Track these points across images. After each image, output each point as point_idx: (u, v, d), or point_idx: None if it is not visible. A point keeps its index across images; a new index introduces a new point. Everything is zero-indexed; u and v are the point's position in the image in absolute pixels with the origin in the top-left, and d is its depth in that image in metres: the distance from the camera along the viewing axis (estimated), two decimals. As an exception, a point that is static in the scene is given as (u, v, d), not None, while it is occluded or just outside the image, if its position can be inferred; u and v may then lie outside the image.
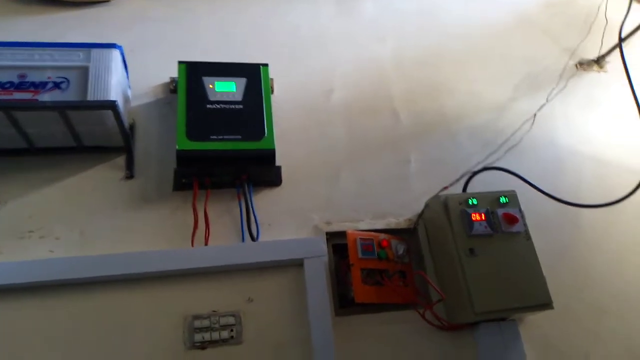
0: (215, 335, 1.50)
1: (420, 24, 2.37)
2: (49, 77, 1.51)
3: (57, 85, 1.51)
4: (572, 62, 2.34)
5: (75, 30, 1.93)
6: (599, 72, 2.36)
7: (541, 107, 2.06)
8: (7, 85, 1.48)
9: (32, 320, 1.44)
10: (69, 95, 1.50)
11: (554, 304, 1.57)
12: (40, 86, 1.49)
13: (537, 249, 1.64)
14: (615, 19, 2.15)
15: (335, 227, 1.75)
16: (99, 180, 1.69)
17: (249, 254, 1.59)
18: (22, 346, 1.41)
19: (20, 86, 1.49)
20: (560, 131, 2.15)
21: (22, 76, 1.50)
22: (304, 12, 2.26)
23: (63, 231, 1.59)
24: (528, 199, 1.78)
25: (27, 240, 1.56)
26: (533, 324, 1.70)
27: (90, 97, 1.50)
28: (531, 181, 1.79)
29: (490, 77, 2.26)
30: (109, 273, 1.49)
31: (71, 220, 1.61)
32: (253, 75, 1.77)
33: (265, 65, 1.81)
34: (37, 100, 1.47)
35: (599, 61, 2.35)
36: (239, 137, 1.64)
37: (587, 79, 2.34)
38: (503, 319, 1.63)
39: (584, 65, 2.35)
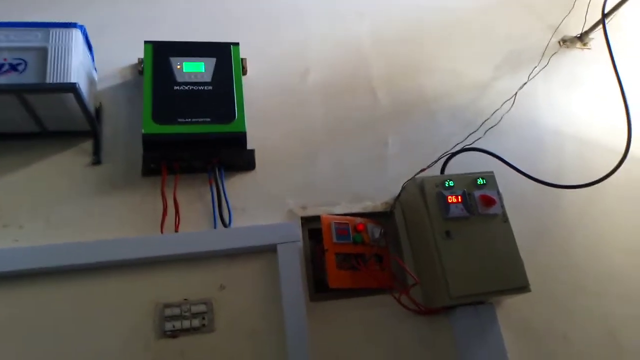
0: (187, 324, 1.46)
1: (401, 1, 2.29)
2: (4, 59, 1.44)
3: (13, 68, 1.43)
4: (555, 39, 2.29)
5: (38, 10, 1.84)
6: (582, 49, 2.31)
7: (522, 85, 2.01)
8: (-40, 67, 1.41)
9: (-4, 311, 1.40)
10: (26, 77, 1.43)
11: (533, 286, 1.55)
12: (-5, 68, 1.42)
13: (516, 231, 1.61)
14: (600, -6, 2.09)
15: (311, 212, 1.71)
16: (64, 166, 1.64)
17: (221, 240, 1.55)
18: (-15, 338, 1.37)
19: (-25, 69, 1.42)
20: (542, 110, 2.12)
21: (-25, 58, 1.43)
22: (279, -11, 2.18)
23: (27, 219, 1.54)
24: (507, 180, 1.75)
25: (-10, 229, 1.51)
26: (510, 307, 1.68)
27: (49, 79, 1.44)
28: (512, 162, 1.75)
29: (472, 55, 2.21)
30: (75, 262, 1.45)
31: (36, 208, 1.56)
32: (223, 55, 1.70)
33: (236, 44, 1.75)
34: (-8, 83, 1.40)
35: (582, 38, 2.29)
36: (208, 119, 1.58)
37: (570, 56, 2.29)
38: (480, 303, 1.61)
39: (567, 42, 2.30)
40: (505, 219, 1.63)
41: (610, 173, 1.66)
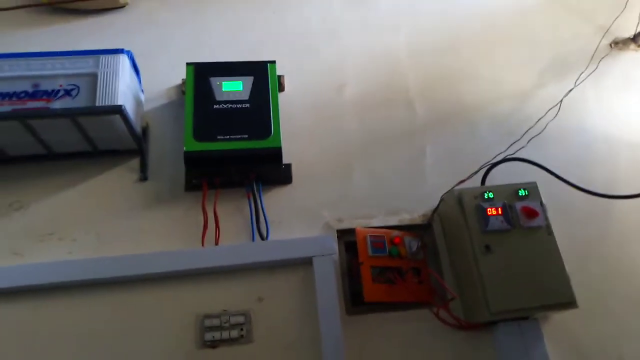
0: (226, 335, 1.50)
1: (437, 9, 2.27)
2: (60, 85, 1.56)
3: (67, 93, 1.55)
4: (606, 42, 2.17)
5: (89, 37, 1.99)
6: (636, 50, 2.18)
7: (568, 92, 1.92)
8: (22, 94, 1.54)
9: (50, 320, 1.50)
10: (79, 101, 1.55)
11: (583, 302, 1.48)
12: (52, 94, 1.55)
13: (564, 244, 1.54)
14: (654, -8, 1.99)
15: (347, 225, 1.71)
16: (114, 183, 1.74)
17: (258, 253, 1.59)
18: (41, 345, 1.47)
19: (34, 95, 1.55)
20: (591, 117, 2.01)
21: (35, 85, 1.56)
22: (315, 5, 2.22)
23: (80, 233, 1.65)
24: (553, 191, 1.69)
25: (47, 242, 1.62)
26: (558, 323, 1.60)
27: (98, 102, 1.54)
28: (558, 172, 1.68)
29: (513, 62, 2.14)
30: (122, 274, 1.53)
31: (88, 222, 1.66)
32: (260, 73, 1.76)
33: (273, 62, 1.79)
34: (48, 108, 1.52)
35: (636, 39, 2.17)
36: (246, 136, 1.63)
37: (623, 58, 2.17)
38: (524, 318, 1.55)
39: (619, 44, 2.18)
40: (549, 231, 1.56)
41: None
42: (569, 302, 1.47)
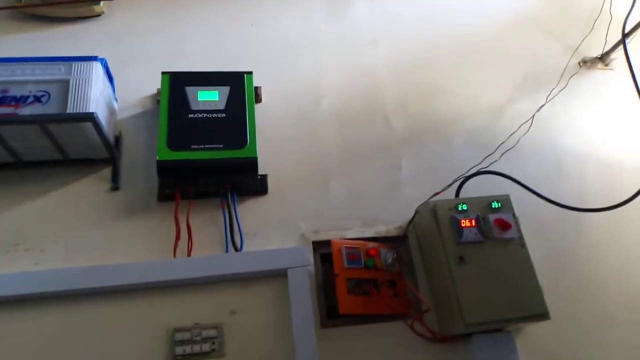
0: (197, 348, 1.47)
1: (415, 25, 2.32)
2: (29, 91, 1.53)
3: (37, 99, 1.52)
4: (575, 61, 2.24)
5: (63, 45, 1.96)
6: (604, 69, 2.26)
7: (540, 107, 1.97)
8: (-10, 100, 1.50)
9: (16, 333, 1.45)
10: (49, 108, 1.51)
11: (555, 314, 1.49)
12: (21, 100, 1.51)
13: (536, 256, 1.57)
14: (620, 14, 2.06)
15: (323, 236, 1.70)
16: (84, 192, 1.70)
17: (232, 264, 1.56)
18: (7, 358, 1.41)
19: (2, 101, 1.51)
20: (562, 132, 2.07)
21: (4, 91, 1.52)
22: (294, 18, 2.24)
23: (48, 244, 1.60)
24: (526, 205, 1.72)
25: (13, 253, 1.57)
26: (532, 335, 1.61)
27: (70, 109, 1.51)
28: (530, 185, 1.72)
29: (488, 78, 2.19)
30: (91, 285, 1.49)
31: (56, 232, 1.62)
32: (237, 84, 1.75)
33: (250, 73, 1.79)
34: (17, 114, 1.48)
35: (604, 58, 2.24)
36: (221, 146, 1.62)
37: (592, 77, 2.24)
38: (498, 330, 1.55)
39: (587, 63, 2.25)
40: (522, 243, 1.58)
41: (635, 195, 1.59)
42: (542, 314, 1.48)
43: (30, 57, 1.59)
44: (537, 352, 1.60)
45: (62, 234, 1.62)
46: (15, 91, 1.52)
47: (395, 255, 1.66)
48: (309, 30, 2.22)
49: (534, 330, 1.62)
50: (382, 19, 2.32)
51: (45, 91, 1.53)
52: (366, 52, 2.20)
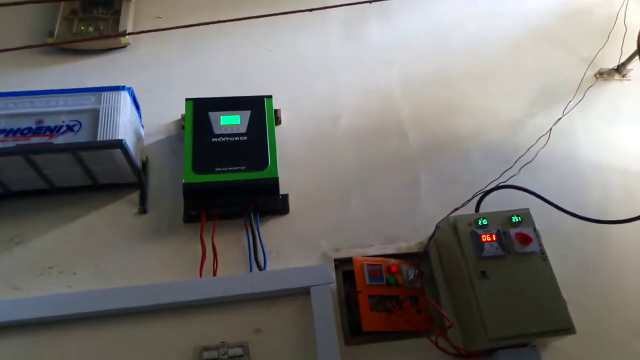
0: (224, 367, 1.50)
1: (430, 44, 2.36)
2: (62, 121, 1.61)
3: (70, 128, 1.60)
4: (591, 72, 2.25)
5: (92, 76, 2.06)
6: (621, 80, 2.25)
7: (557, 120, 1.98)
8: (26, 131, 1.59)
9: (50, 354, 1.49)
10: (80, 137, 1.60)
11: (581, 328, 1.47)
12: (55, 130, 1.60)
13: (560, 270, 1.55)
14: (635, 25, 2.07)
15: (344, 254, 1.73)
16: (114, 216, 1.76)
17: (256, 283, 1.60)
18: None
19: (38, 131, 1.59)
20: (581, 145, 2.06)
21: (39, 122, 1.61)
22: (311, 42, 2.31)
23: (80, 267, 1.66)
24: (547, 218, 1.71)
25: (47, 276, 1.63)
26: (558, 350, 1.59)
27: (100, 137, 1.59)
28: (550, 198, 1.71)
29: (504, 92, 2.21)
30: (121, 306, 1.53)
31: (88, 255, 1.68)
32: (257, 107, 1.81)
33: (269, 96, 1.85)
34: (51, 143, 1.57)
35: (620, 69, 2.24)
36: (243, 167, 1.68)
37: (609, 88, 2.24)
38: (524, 345, 1.54)
39: (604, 74, 2.25)
40: (544, 257, 1.57)
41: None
42: (567, 328, 1.46)
43: (63, 90, 1.68)
44: (563, 367, 1.58)
45: (93, 256, 1.68)
46: (50, 122, 1.61)
47: (417, 271, 1.67)
48: (325, 53, 2.28)
49: (560, 345, 1.60)
50: (396, 39, 2.37)
51: (77, 121, 1.62)
52: (382, 71, 2.24)
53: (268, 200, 1.73)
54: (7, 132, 1.58)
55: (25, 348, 1.49)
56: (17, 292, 1.59)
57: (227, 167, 1.67)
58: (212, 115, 1.78)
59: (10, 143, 1.56)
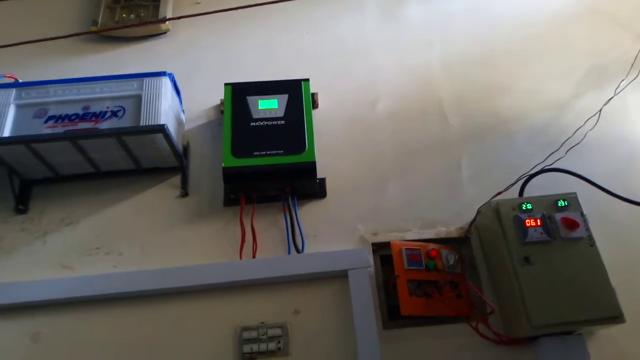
0: (264, 347, 1.53)
1: (471, 22, 2.29)
2: (107, 107, 1.66)
3: (114, 114, 1.65)
4: (646, 49, 2.12)
5: (134, 62, 2.10)
6: (679, 56, 2.11)
7: (608, 100, 1.88)
8: (73, 117, 1.65)
9: (96, 331, 1.57)
10: (124, 122, 1.64)
11: (631, 316, 1.42)
12: (100, 115, 1.65)
13: (608, 256, 1.50)
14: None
15: (382, 238, 1.72)
16: (157, 199, 1.81)
17: (294, 265, 1.62)
18: (87, 355, 1.54)
19: (84, 117, 1.65)
20: (633, 125, 1.95)
21: (85, 108, 1.67)
22: (348, 24, 2.28)
23: (125, 247, 1.72)
24: (595, 202, 1.65)
25: (95, 256, 1.70)
26: (605, 339, 1.54)
27: (142, 122, 1.63)
28: (599, 182, 1.64)
29: (550, 72, 2.12)
30: (164, 286, 1.59)
31: (132, 237, 1.74)
32: (294, 91, 1.81)
33: (307, 80, 1.85)
34: (97, 128, 1.62)
35: (679, 45, 2.10)
36: (281, 151, 1.69)
37: (666, 65, 2.11)
38: (569, 333, 1.49)
39: (660, 51, 2.12)
40: (591, 242, 1.51)
41: None
42: (616, 316, 1.41)
43: (107, 76, 1.73)
44: (611, 356, 1.53)
45: (138, 238, 1.74)
46: (95, 107, 1.66)
47: (457, 256, 1.64)
48: (362, 35, 2.25)
49: (607, 334, 1.55)
50: (435, 18, 2.30)
51: (121, 106, 1.66)
52: (421, 53, 2.19)
53: (305, 183, 1.73)
54: (57, 119, 1.64)
55: (74, 324, 1.58)
56: (67, 271, 1.67)
57: (266, 151, 1.68)
58: (251, 99, 1.79)
59: (59, 129, 1.63)
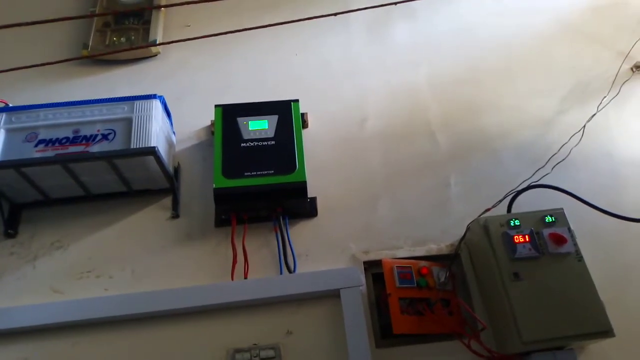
0: (256, 369, 1.52)
1: (456, 43, 2.34)
2: (98, 130, 1.67)
3: (105, 137, 1.66)
4: (627, 66, 2.17)
5: (125, 85, 2.12)
6: (659, 74, 2.18)
7: (591, 117, 1.92)
8: (64, 140, 1.65)
9: (88, 355, 1.55)
10: (115, 145, 1.65)
11: (620, 331, 1.43)
12: (91, 139, 1.65)
13: (597, 271, 1.52)
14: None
15: (373, 256, 1.72)
16: (147, 221, 1.81)
17: (286, 286, 1.62)
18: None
19: (75, 140, 1.66)
20: (617, 141, 2.00)
21: (76, 131, 1.67)
22: (336, 45, 2.32)
23: (116, 270, 1.71)
24: (582, 218, 1.67)
25: (85, 280, 1.69)
26: (595, 353, 1.55)
27: (133, 145, 1.64)
28: (585, 197, 1.67)
29: (534, 90, 2.16)
30: (156, 309, 1.58)
31: (123, 259, 1.73)
32: (284, 111, 1.84)
33: (296, 100, 1.87)
34: (88, 151, 1.63)
35: (658, 62, 2.17)
36: (272, 171, 1.70)
37: (646, 82, 2.17)
38: (559, 348, 1.50)
39: (640, 68, 2.18)
40: (579, 257, 1.53)
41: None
42: (605, 331, 1.42)
43: (98, 99, 1.74)
44: (602, 371, 1.54)
45: (129, 260, 1.73)
46: (86, 131, 1.66)
47: (447, 273, 1.66)
48: (350, 55, 2.29)
49: (597, 348, 1.56)
50: (421, 39, 2.35)
51: (111, 129, 1.67)
52: (408, 73, 2.23)
53: (296, 203, 1.74)
54: (47, 142, 1.65)
55: (65, 350, 1.55)
56: (57, 295, 1.66)
57: (256, 171, 1.70)
58: (241, 120, 1.81)
59: (49, 152, 1.63)
